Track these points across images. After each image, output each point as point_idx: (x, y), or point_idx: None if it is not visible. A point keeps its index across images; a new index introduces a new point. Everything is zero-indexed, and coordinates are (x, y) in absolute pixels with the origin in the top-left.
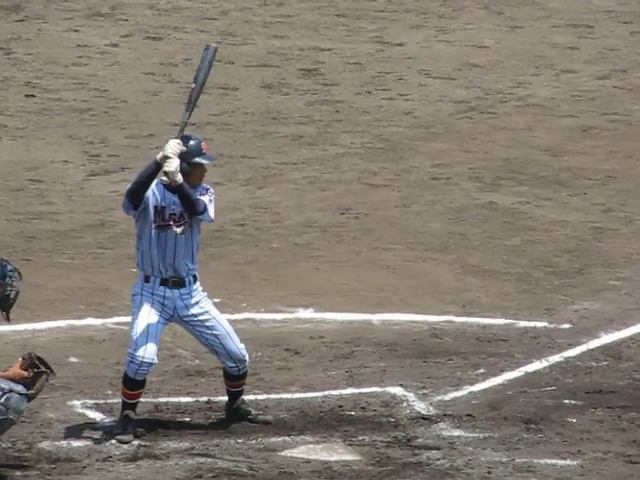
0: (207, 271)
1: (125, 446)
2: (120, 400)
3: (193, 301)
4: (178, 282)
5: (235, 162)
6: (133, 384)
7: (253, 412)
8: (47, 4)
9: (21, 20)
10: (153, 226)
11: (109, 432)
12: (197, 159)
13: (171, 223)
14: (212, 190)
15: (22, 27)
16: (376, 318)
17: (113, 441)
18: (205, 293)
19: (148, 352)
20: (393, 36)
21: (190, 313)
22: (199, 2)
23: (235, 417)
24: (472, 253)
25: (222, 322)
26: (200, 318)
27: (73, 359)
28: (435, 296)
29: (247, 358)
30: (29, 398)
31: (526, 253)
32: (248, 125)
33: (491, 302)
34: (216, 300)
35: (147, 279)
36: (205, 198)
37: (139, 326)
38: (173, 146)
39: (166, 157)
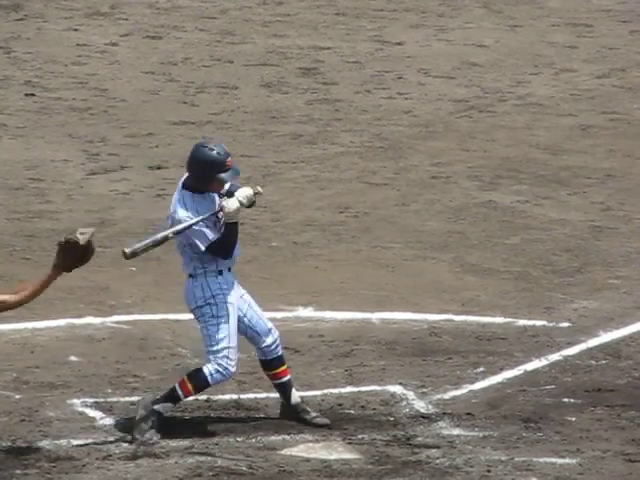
0: None
1: (125, 445)
2: (162, 393)
3: None
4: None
5: (234, 161)
6: (205, 388)
7: (312, 414)
8: (47, 3)
9: (21, 19)
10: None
11: (134, 423)
12: (221, 175)
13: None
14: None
15: (22, 26)
16: (375, 317)
17: (113, 440)
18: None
19: (237, 367)
20: (392, 35)
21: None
22: (198, 1)
23: (292, 415)
24: (471, 252)
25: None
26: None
27: (73, 358)
28: (434, 295)
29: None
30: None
31: (525, 252)
32: (247, 124)
33: (490, 301)
34: None
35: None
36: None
37: (232, 336)
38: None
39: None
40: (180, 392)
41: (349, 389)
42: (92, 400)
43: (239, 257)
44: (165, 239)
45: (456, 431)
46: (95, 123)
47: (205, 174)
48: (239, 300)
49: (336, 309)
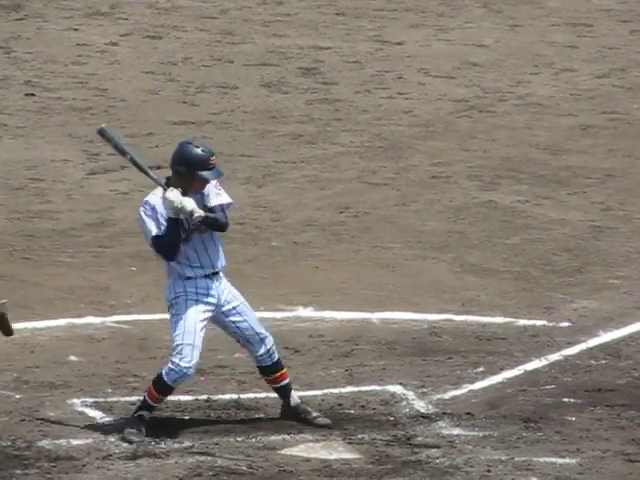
0: None
1: (125, 444)
2: (140, 398)
3: None
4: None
5: (234, 161)
6: (167, 389)
7: (313, 414)
8: (47, 3)
9: (21, 19)
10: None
11: (118, 430)
12: (203, 173)
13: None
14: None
15: (22, 26)
16: (375, 316)
17: (113, 439)
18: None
19: (194, 363)
20: (392, 35)
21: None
22: (198, 1)
23: (292, 415)
24: (471, 252)
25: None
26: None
27: (73, 358)
28: (434, 295)
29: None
30: None
31: (525, 252)
32: (247, 124)
33: (490, 301)
34: None
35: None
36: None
37: (187, 333)
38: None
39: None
40: (148, 398)
41: (349, 389)
42: (92, 400)
43: (224, 266)
44: (123, 153)
45: (456, 431)
46: (95, 123)
47: (187, 171)
48: (230, 311)
49: (336, 309)
